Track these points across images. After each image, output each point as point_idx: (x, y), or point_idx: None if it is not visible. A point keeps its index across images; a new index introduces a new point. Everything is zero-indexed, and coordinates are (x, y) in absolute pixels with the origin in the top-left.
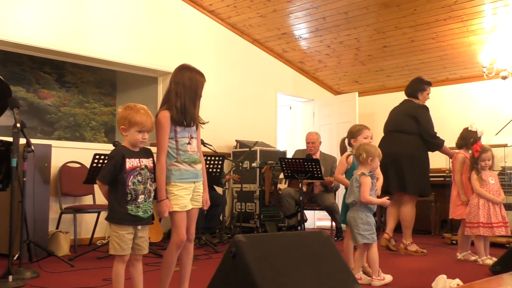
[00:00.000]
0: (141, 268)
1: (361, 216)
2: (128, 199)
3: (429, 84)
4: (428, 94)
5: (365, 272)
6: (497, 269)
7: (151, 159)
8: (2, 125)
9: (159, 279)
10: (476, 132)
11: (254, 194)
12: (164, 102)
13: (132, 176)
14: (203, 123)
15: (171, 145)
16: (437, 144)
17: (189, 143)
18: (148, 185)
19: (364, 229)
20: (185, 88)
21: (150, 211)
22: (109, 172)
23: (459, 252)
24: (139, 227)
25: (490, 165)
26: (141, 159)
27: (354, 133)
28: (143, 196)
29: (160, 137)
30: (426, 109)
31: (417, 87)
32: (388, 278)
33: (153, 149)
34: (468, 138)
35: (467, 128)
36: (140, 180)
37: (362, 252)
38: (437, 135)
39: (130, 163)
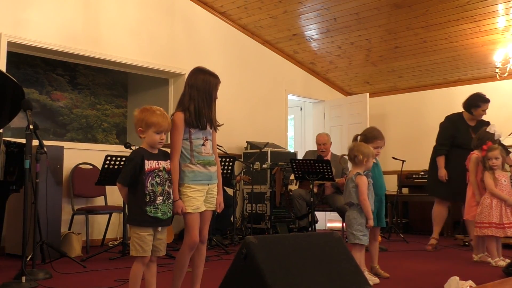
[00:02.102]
0: (155, 269)
1: (356, 216)
2: (147, 200)
3: (485, 101)
4: (483, 110)
5: (376, 274)
6: (511, 271)
7: (169, 161)
8: (15, 127)
9: (171, 280)
10: (493, 134)
11: (265, 195)
12: (179, 105)
13: (150, 178)
14: (218, 125)
15: (186, 146)
16: (434, 151)
17: (203, 145)
18: (166, 186)
19: (356, 229)
20: (199, 90)
21: (169, 213)
22: (129, 174)
23: (475, 254)
24: (159, 228)
25: (499, 164)
26: (159, 161)
27: (369, 138)
28: (161, 197)
29: (173, 138)
30: (446, 120)
31: (470, 103)
32: (373, 280)
33: (167, 150)
34: (484, 139)
35: (485, 129)
36: (159, 181)
37: (363, 252)
38: (440, 145)
39: (149, 164)
